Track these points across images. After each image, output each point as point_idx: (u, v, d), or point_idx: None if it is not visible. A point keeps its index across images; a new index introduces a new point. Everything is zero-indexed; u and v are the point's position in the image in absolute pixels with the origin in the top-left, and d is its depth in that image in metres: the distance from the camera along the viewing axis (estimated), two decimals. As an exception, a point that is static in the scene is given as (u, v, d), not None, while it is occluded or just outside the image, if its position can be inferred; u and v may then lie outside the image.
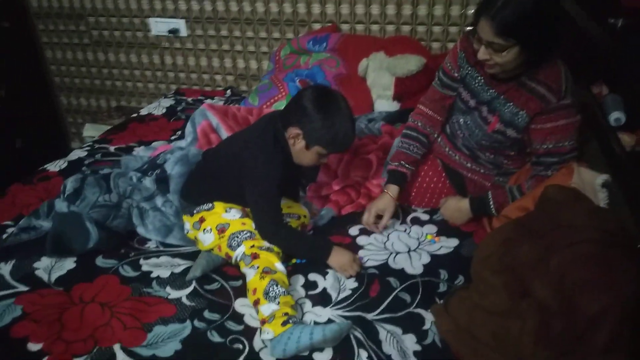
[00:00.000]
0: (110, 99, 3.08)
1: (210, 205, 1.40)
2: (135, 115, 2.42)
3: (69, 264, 1.39)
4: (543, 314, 1.01)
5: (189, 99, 2.58)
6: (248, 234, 1.33)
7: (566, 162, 1.35)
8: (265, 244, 1.31)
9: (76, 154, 2.00)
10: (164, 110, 2.43)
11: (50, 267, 1.36)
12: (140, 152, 1.89)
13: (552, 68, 1.33)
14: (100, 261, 1.40)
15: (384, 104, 2.22)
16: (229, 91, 2.67)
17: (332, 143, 1.35)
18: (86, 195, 1.51)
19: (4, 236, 1.47)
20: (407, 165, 1.55)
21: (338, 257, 1.34)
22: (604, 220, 1.00)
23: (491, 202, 1.46)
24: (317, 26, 2.54)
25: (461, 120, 1.54)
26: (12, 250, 1.40)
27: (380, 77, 2.23)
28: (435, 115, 1.60)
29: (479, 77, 1.45)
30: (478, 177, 1.58)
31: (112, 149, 2.04)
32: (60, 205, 1.47)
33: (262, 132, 1.39)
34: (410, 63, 2.14)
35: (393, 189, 1.53)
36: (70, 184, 1.54)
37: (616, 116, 1.45)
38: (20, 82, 2.88)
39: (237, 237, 1.33)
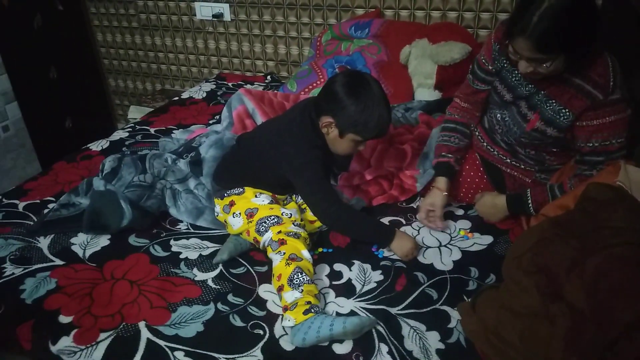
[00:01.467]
0: (155, 82, 3.15)
1: (241, 189, 1.41)
2: (176, 98, 2.46)
3: (104, 241, 1.43)
4: (575, 318, 0.95)
5: (230, 84, 2.61)
6: (275, 220, 1.32)
7: (613, 161, 1.26)
8: (293, 229, 1.30)
9: (118, 134, 2.06)
10: (205, 95, 2.46)
11: (86, 243, 1.41)
12: (178, 134, 1.92)
13: (598, 61, 1.23)
14: (132, 240, 1.44)
15: (425, 93, 2.15)
16: (269, 77, 2.67)
17: (366, 129, 1.31)
18: (122, 175, 1.55)
19: (45, 211, 1.53)
20: (449, 155, 1.50)
21: (402, 242, 1.32)
22: (649, 224, 0.93)
23: (530, 201, 1.38)
24: (360, 12, 2.49)
25: (499, 115, 1.46)
26: (51, 225, 1.46)
27: (423, 64, 2.16)
28: (471, 109, 1.54)
29: (516, 71, 1.36)
30: (518, 172, 1.50)
31: (152, 130, 2.09)
32: (98, 184, 1.52)
33: (299, 120, 1.37)
34: (454, 51, 2.06)
35: (440, 181, 1.48)
36: (108, 163, 1.59)
37: None
38: (71, 63, 2.99)
39: (265, 222, 1.32)
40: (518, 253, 1.14)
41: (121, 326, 1.15)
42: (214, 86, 2.56)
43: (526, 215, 1.42)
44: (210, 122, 2.14)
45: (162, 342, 1.10)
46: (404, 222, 1.51)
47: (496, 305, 1.11)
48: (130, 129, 2.11)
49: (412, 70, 2.22)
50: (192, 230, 1.49)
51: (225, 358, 1.06)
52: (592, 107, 1.24)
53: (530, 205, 1.38)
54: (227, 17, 2.74)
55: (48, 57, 2.85)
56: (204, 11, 2.77)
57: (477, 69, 1.48)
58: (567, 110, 1.28)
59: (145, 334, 1.13)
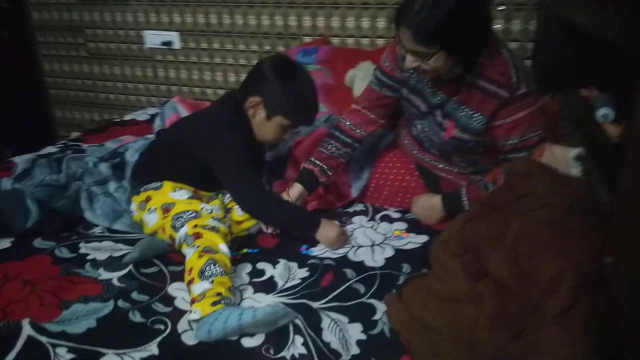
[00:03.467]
0: (102, 112, 3.07)
1: (159, 184, 1.31)
2: (118, 119, 2.38)
3: (5, 243, 1.29)
4: (500, 294, 0.87)
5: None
6: (193, 214, 1.22)
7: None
8: (211, 222, 1.20)
9: (47, 149, 1.94)
10: (148, 117, 2.38)
11: (-18, 246, 1.27)
12: (108, 144, 1.82)
13: (496, 60, 1.21)
14: (38, 242, 1.30)
15: (369, 113, 2.14)
16: (217, 103, 2.63)
17: (294, 111, 1.26)
18: (34, 175, 1.43)
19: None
20: (317, 162, 1.41)
21: (327, 230, 1.24)
22: (568, 188, 0.88)
23: (464, 198, 1.33)
24: (307, 39, 2.52)
25: (419, 126, 1.42)
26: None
27: (366, 85, 2.17)
28: (368, 114, 1.45)
29: (425, 80, 1.31)
30: (453, 176, 1.46)
31: (84, 147, 1.98)
32: (5, 183, 1.40)
33: (221, 105, 1.32)
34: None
35: (294, 188, 1.37)
36: (21, 164, 1.48)
37: (603, 112, 1.37)
38: (15, 92, 2.90)
39: (182, 217, 1.22)
40: (445, 237, 1.07)
41: (1, 323, 1.00)
42: (160, 110, 2.49)
43: (462, 214, 1.36)
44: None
45: (44, 339, 0.96)
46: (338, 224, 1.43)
47: (423, 292, 1.02)
48: (62, 145, 1.99)
49: (356, 92, 2.21)
50: (107, 234, 1.37)
51: (115, 353, 0.93)
52: (502, 106, 1.22)
53: (465, 202, 1.33)
54: (177, 45, 2.73)
55: (-11, 84, 2.75)
56: (153, 39, 2.76)
57: (382, 76, 1.41)
58: (478, 114, 1.25)
59: (27, 331, 0.99)
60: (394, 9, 1.17)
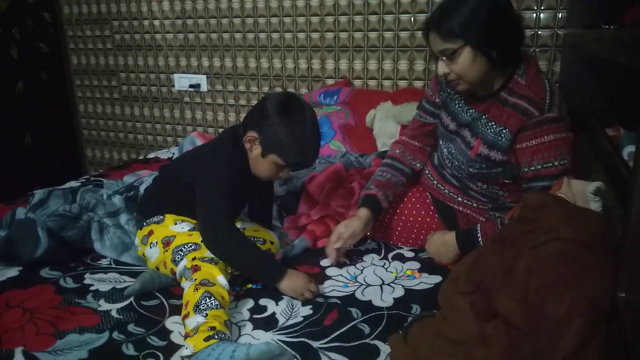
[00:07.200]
0: (131, 152, 3.16)
1: (161, 217, 1.30)
2: (141, 157, 2.43)
3: (13, 272, 1.30)
4: (511, 336, 0.79)
5: (199, 148, 2.58)
6: (193, 247, 1.20)
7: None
8: (209, 254, 1.17)
9: (70, 184, 1.99)
10: (172, 155, 2.42)
11: (-11, 274, 1.28)
12: (126, 178, 1.85)
13: (535, 82, 1.22)
14: (45, 272, 1.30)
15: (389, 153, 2.11)
16: (240, 143, 2.66)
17: (289, 153, 1.21)
18: (49, 205, 1.45)
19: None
20: (376, 188, 1.41)
21: (292, 281, 1.17)
22: (584, 221, 0.81)
23: (479, 235, 1.27)
24: (330, 82, 2.55)
25: (445, 150, 1.41)
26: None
27: (386, 125, 2.16)
28: (413, 142, 1.50)
29: (459, 98, 1.35)
30: (471, 211, 1.40)
31: (104, 181, 2.02)
32: (20, 213, 1.42)
33: (220, 138, 1.32)
34: (415, 110, 2.06)
35: (361, 211, 1.37)
36: (37, 194, 1.50)
37: (629, 150, 1.31)
38: (49, 131, 3.03)
39: (182, 250, 1.19)
40: (455, 275, 1.01)
41: (-7, 351, 0.98)
42: (179, 145, 2.54)
43: (478, 253, 1.29)
44: (168, 175, 2.08)
45: (32, 368, 0.93)
46: (348, 261, 1.38)
47: (430, 334, 0.95)
48: (85, 180, 2.04)
49: (376, 132, 2.20)
50: (114, 266, 1.35)
51: (100, 386, 0.89)
52: (529, 125, 1.20)
53: (479, 239, 1.26)
54: (204, 87, 2.82)
55: (25, 123, 2.88)
56: (182, 82, 2.85)
57: (425, 102, 1.48)
58: (505, 130, 1.23)
59: (18, 359, 0.96)
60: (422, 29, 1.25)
